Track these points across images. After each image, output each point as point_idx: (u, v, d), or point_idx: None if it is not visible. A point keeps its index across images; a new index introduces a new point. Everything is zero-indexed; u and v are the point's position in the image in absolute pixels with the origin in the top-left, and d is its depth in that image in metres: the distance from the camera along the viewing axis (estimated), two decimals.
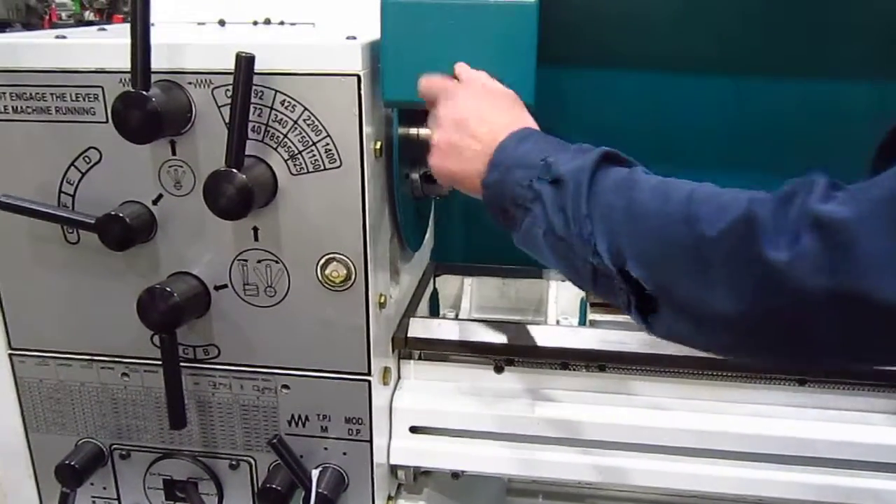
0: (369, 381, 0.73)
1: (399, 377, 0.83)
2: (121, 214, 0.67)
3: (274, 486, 0.75)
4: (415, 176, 0.81)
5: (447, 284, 1.00)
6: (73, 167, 0.70)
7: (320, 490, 0.74)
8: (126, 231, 0.68)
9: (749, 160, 1.07)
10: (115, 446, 0.81)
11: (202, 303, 0.72)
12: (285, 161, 0.66)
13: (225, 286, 0.72)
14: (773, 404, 0.78)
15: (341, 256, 0.69)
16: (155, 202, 0.70)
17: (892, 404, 0.77)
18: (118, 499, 0.83)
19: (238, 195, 0.62)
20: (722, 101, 1.03)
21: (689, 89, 1.03)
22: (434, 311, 1.00)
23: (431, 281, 0.99)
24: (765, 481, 0.77)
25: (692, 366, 0.77)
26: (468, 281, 1.00)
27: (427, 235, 1.00)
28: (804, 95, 1.01)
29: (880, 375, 0.76)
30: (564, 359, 0.79)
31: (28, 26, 4.38)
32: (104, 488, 0.83)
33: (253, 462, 0.79)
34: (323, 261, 0.69)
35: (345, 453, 0.76)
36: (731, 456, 0.78)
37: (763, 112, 1.04)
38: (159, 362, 0.71)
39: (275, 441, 0.73)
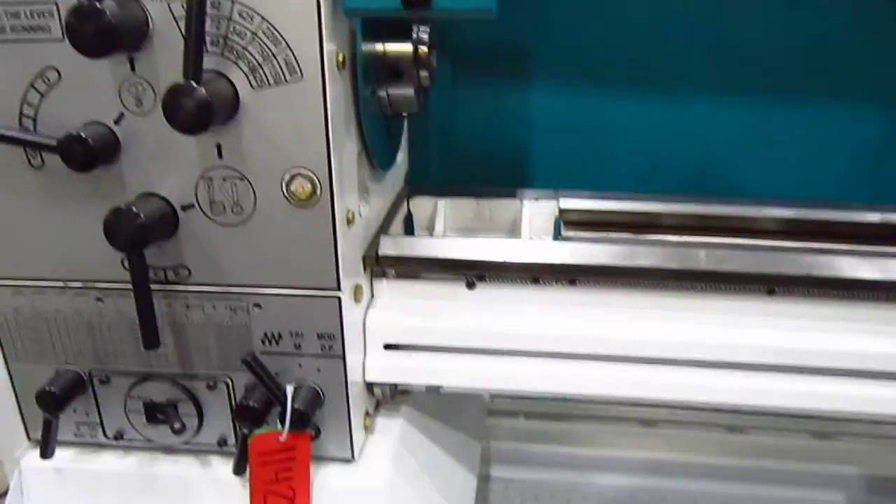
0: (339, 297, 0.74)
1: (372, 296, 0.84)
2: (82, 135, 0.67)
3: (250, 403, 0.76)
4: (383, 93, 0.80)
5: (421, 206, 1.00)
6: (32, 88, 0.69)
7: (296, 406, 0.75)
8: (89, 151, 0.67)
9: (733, 82, 1.06)
10: (94, 372, 0.81)
11: (169, 223, 0.71)
12: (246, 75, 0.65)
13: (192, 206, 0.71)
14: (742, 314, 0.79)
15: (306, 171, 0.68)
16: (117, 122, 0.69)
17: (857, 313, 0.78)
18: (101, 423, 0.84)
19: (197, 109, 0.61)
20: (704, 20, 1.02)
21: (669, 7, 1.02)
22: (409, 233, 1.00)
23: (405, 203, 0.99)
24: (736, 388, 0.79)
25: (662, 277, 0.78)
26: (442, 202, 1.00)
27: (401, 158, 0.99)
28: (789, 16, 0.99)
29: (846, 285, 0.77)
30: (534, 273, 0.79)
31: None
32: (87, 414, 0.84)
33: (230, 382, 0.80)
34: (288, 177, 0.69)
35: (319, 370, 0.77)
36: (703, 365, 0.79)
37: (746, 33, 1.02)
38: (131, 285, 0.71)
39: (248, 358, 0.74)
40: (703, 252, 0.77)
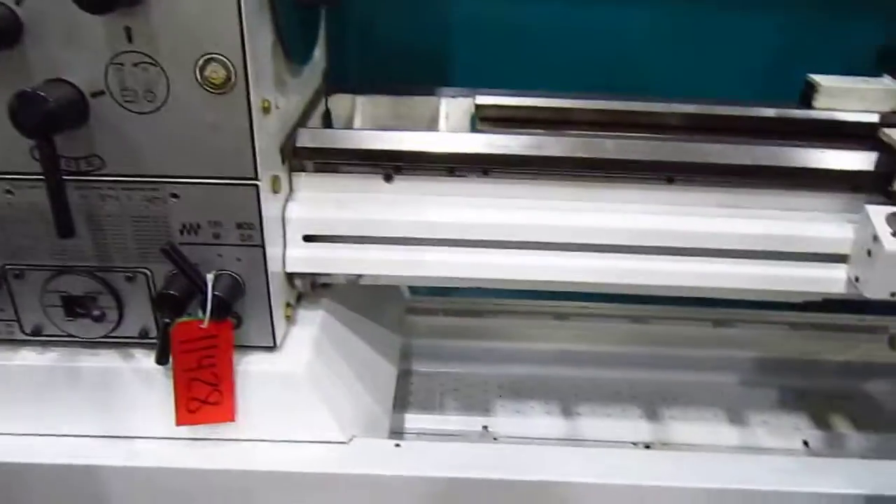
0: (257, 186, 0.74)
1: (291, 190, 0.85)
2: None
3: (171, 291, 0.77)
4: None
5: (339, 104, 1.01)
6: None
7: (216, 293, 0.76)
8: None
9: None
10: (8, 267, 0.80)
11: (79, 110, 0.70)
12: None
13: (102, 92, 0.70)
14: (645, 202, 0.83)
15: (219, 56, 0.68)
16: (18, 2, 0.66)
17: (749, 199, 0.84)
18: (18, 320, 0.83)
19: None
20: None
21: None
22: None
23: (323, 101, 0.99)
24: (636, 270, 0.84)
25: (571, 166, 0.82)
26: (360, 99, 1.00)
27: (319, 56, 0.99)
28: None
29: (739, 172, 0.82)
30: (450, 163, 0.82)
31: None
32: (2, 310, 0.83)
33: (149, 273, 0.80)
34: (202, 62, 0.68)
35: (239, 259, 0.79)
36: (608, 249, 0.83)
37: None
38: (43, 174, 0.70)
39: (166, 246, 0.74)
40: (608, 142, 0.81)
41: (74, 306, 0.82)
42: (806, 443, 1.06)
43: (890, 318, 0.86)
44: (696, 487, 0.82)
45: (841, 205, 0.84)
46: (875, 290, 0.78)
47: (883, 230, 0.76)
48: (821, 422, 1.10)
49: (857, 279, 0.80)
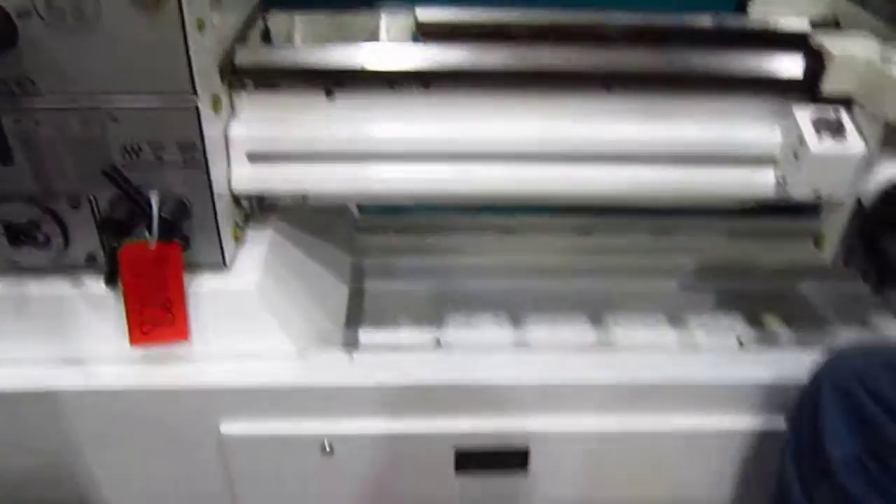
0: (197, 105, 0.74)
1: (233, 109, 0.84)
2: None
3: (115, 215, 0.77)
4: None
5: (278, 22, 0.99)
6: None
7: (163, 215, 0.77)
8: None
9: None
10: None
11: (6, 32, 0.68)
12: None
13: (28, 13, 0.68)
14: (583, 111, 0.85)
15: None
16: None
17: (681, 106, 0.86)
18: None
19: None
20: None
21: None
22: None
23: (261, 19, 0.97)
24: (577, 178, 0.86)
25: (510, 77, 0.83)
26: (298, 17, 0.99)
27: None
28: None
29: (675, 79, 0.84)
30: (390, 78, 0.82)
31: None
32: None
33: (93, 199, 0.80)
34: None
35: (184, 181, 0.79)
36: (549, 158, 0.85)
37: None
38: None
39: (108, 169, 0.74)
40: (546, 53, 0.82)
41: (18, 235, 0.82)
42: (740, 341, 1.12)
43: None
44: (635, 384, 0.87)
45: (773, 109, 0.86)
46: (800, 191, 0.81)
47: (809, 132, 0.79)
48: (754, 321, 1.16)
49: (784, 180, 0.84)
